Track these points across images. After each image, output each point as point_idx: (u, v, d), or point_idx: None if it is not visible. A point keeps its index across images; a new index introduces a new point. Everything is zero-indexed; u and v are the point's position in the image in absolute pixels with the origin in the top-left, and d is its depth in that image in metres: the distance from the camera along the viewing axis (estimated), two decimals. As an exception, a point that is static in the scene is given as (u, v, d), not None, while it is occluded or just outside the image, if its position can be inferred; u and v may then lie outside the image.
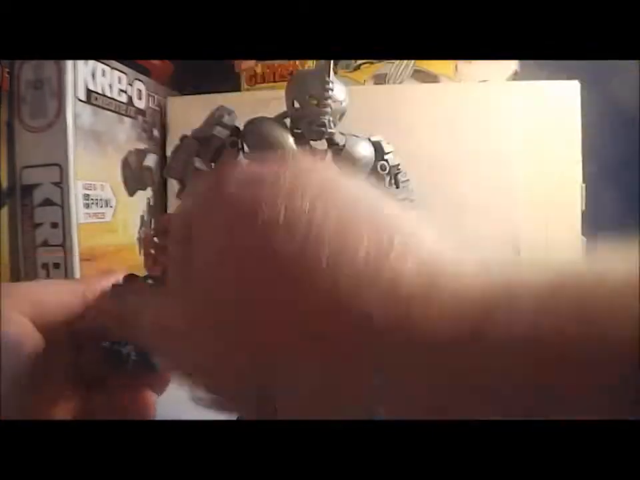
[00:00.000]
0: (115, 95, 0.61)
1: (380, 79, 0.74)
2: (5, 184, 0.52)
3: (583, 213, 0.67)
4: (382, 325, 0.14)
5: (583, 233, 0.67)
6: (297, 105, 0.38)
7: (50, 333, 0.22)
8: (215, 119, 0.40)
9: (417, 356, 0.14)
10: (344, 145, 0.40)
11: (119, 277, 0.26)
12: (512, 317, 0.13)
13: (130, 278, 0.31)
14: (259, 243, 0.16)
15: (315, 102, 0.37)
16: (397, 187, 0.42)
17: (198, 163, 0.39)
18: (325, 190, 0.17)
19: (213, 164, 0.40)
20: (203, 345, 0.17)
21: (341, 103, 0.38)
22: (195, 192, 0.21)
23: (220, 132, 0.39)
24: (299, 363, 0.15)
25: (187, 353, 0.18)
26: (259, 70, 0.75)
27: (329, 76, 0.36)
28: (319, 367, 0.15)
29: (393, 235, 0.16)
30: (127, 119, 0.64)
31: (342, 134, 0.41)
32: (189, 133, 0.41)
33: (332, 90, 0.36)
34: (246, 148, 0.40)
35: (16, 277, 0.53)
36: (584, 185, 0.67)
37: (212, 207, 0.18)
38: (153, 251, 0.41)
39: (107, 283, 0.25)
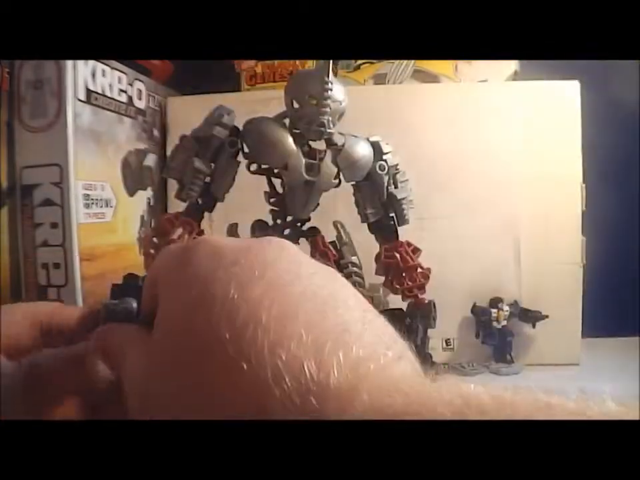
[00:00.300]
0: (115, 95, 0.61)
1: (380, 79, 0.74)
2: (5, 184, 0.52)
3: (583, 213, 0.67)
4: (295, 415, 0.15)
5: (583, 233, 0.67)
6: (296, 104, 0.38)
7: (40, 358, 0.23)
8: (215, 118, 0.40)
9: None
10: (343, 145, 0.40)
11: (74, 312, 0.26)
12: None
13: (130, 277, 0.31)
14: (204, 322, 0.17)
15: (314, 102, 0.37)
16: (396, 187, 0.42)
17: (197, 163, 0.39)
18: (276, 286, 0.18)
19: (212, 164, 0.40)
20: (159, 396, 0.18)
21: (340, 103, 0.38)
22: (164, 262, 0.22)
23: (219, 132, 0.39)
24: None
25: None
26: (258, 70, 0.75)
27: (328, 76, 0.36)
28: None
29: (326, 341, 0.16)
30: (126, 119, 0.64)
31: (341, 134, 0.41)
32: (188, 132, 0.41)
33: (331, 90, 0.36)
34: (245, 148, 0.40)
35: (16, 276, 0.53)
36: (584, 185, 0.67)
37: (173, 280, 0.20)
38: (152, 251, 0.41)
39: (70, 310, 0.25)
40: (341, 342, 0.16)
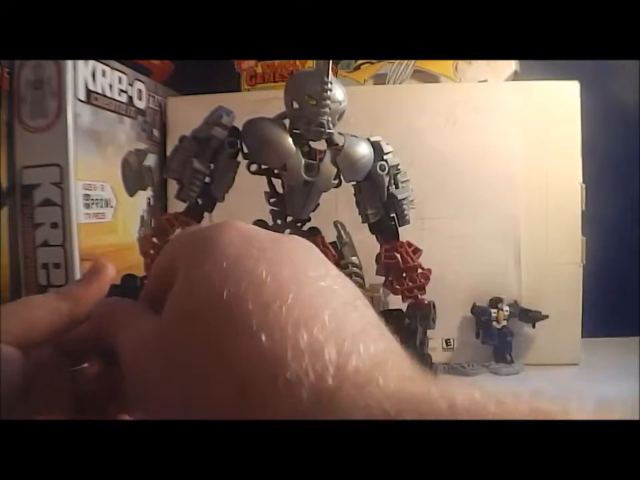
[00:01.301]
0: (115, 95, 0.61)
1: (380, 79, 0.74)
2: (5, 184, 0.52)
3: (583, 213, 0.67)
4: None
5: (583, 233, 0.67)
6: (295, 105, 0.38)
7: (39, 354, 0.22)
8: (214, 119, 0.40)
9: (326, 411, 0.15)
10: (343, 145, 0.40)
11: (105, 284, 0.25)
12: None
13: (128, 278, 0.30)
14: (231, 294, 0.17)
15: (314, 102, 0.37)
16: (397, 187, 0.42)
17: (196, 163, 0.39)
18: (305, 274, 0.19)
19: (212, 164, 0.40)
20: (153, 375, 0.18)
21: (340, 104, 0.38)
22: (184, 242, 0.22)
23: (218, 132, 0.39)
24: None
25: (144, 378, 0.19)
26: (259, 70, 0.75)
27: (327, 76, 0.36)
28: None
29: (348, 333, 0.17)
30: (126, 119, 0.64)
31: (341, 134, 0.41)
32: (188, 133, 0.41)
33: (330, 90, 0.36)
34: (245, 148, 0.40)
35: (16, 276, 0.53)
36: (584, 185, 0.67)
37: (197, 259, 0.20)
38: (151, 251, 0.41)
39: (93, 293, 0.25)
40: (362, 337, 0.17)
